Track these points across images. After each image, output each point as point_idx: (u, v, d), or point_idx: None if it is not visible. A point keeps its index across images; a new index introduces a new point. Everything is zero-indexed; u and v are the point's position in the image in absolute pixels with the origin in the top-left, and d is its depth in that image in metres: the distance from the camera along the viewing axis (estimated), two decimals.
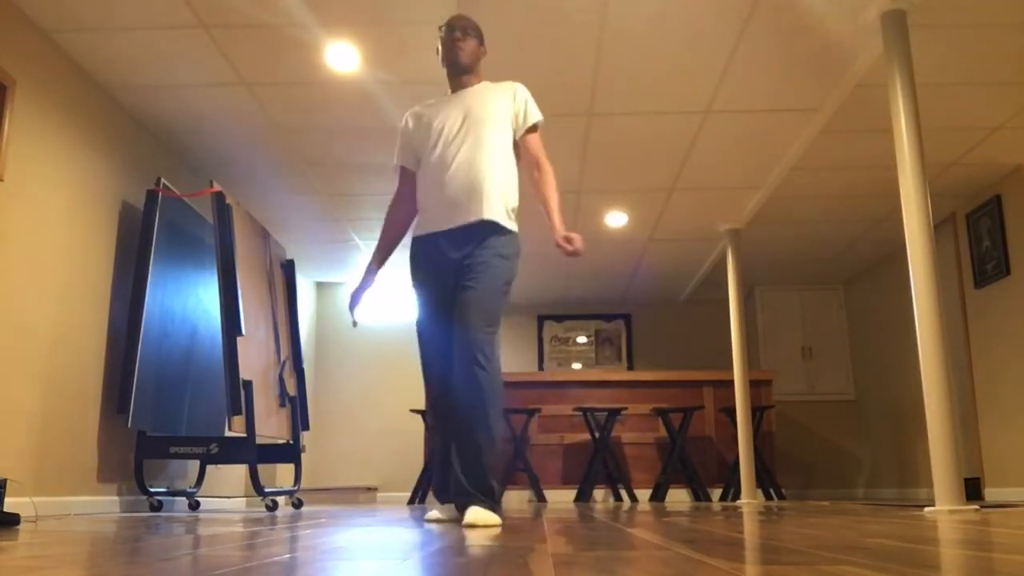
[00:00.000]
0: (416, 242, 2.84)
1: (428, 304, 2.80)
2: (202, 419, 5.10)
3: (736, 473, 6.23)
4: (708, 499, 6.35)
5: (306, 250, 7.42)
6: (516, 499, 6.55)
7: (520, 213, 2.88)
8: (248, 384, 4.41)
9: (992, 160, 5.31)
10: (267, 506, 4.40)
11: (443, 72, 2.91)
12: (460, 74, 2.89)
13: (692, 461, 6.42)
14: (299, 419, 5.23)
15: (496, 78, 4.17)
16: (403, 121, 2.96)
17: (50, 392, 3.88)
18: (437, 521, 2.72)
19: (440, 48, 2.89)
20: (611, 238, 6.83)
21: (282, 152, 5.26)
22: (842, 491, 8.02)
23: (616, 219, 6.38)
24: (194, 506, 4.93)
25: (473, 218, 2.70)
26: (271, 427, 4.75)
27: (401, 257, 7.63)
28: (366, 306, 8.47)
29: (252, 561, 1.31)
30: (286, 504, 6.92)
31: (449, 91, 2.92)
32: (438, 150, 2.78)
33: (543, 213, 2.76)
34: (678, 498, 6.57)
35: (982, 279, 5.83)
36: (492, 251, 2.70)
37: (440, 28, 2.91)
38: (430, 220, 2.79)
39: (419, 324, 2.82)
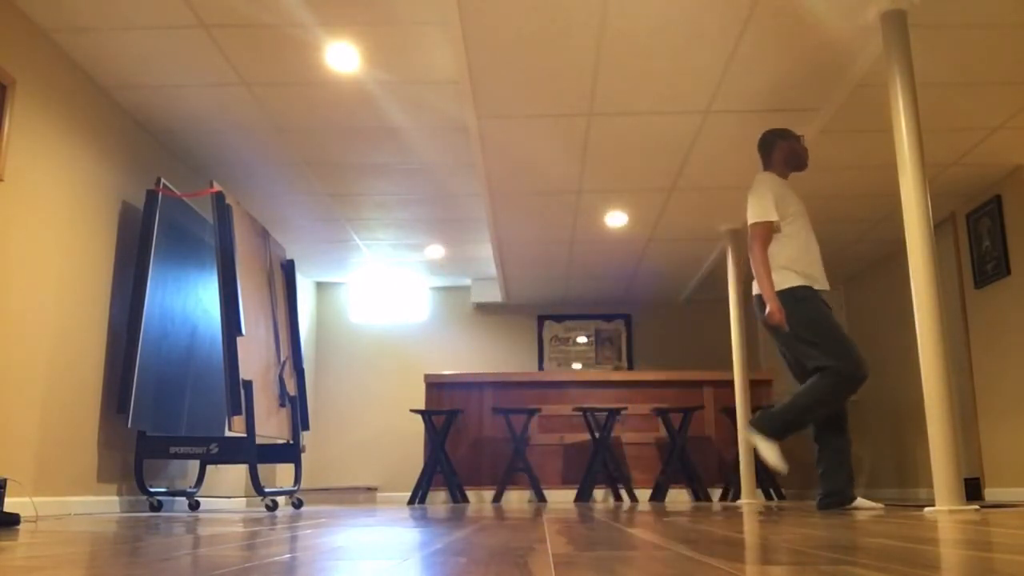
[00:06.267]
0: (807, 290, 3.68)
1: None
2: (202, 419, 5.10)
3: (736, 473, 6.23)
4: (708, 499, 6.35)
5: (306, 250, 7.42)
6: (516, 499, 6.55)
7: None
8: (248, 384, 4.41)
9: (992, 160, 5.31)
10: (267, 506, 4.40)
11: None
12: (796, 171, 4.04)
13: (692, 461, 6.42)
14: (299, 419, 5.23)
15: (495, 77, 4.18)
16: (771, 185, 3.85)
17: (50, 392, 3.88)
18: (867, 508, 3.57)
19: (792, 148, 3.96)
20: (611, 238, 6.83)
21: (282, 152, 5.26)
22: None
23: (616, 219, 6.38)
24: (194, 506, 4.93)
25: (828, 286, 3.77)
26: (271, 427, 4.75)
27: (405, 259, 7.63)
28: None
29: (252, 561, 1.31)
30: (286, 504, 6.92)
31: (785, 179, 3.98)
32: (802, 225, 3.81)
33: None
34: (678, 498, 6.57)
35: (982, 279, 5.82)
36: None
37: (791, 136, 3.98)
38: (814, 277, 3.71)
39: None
